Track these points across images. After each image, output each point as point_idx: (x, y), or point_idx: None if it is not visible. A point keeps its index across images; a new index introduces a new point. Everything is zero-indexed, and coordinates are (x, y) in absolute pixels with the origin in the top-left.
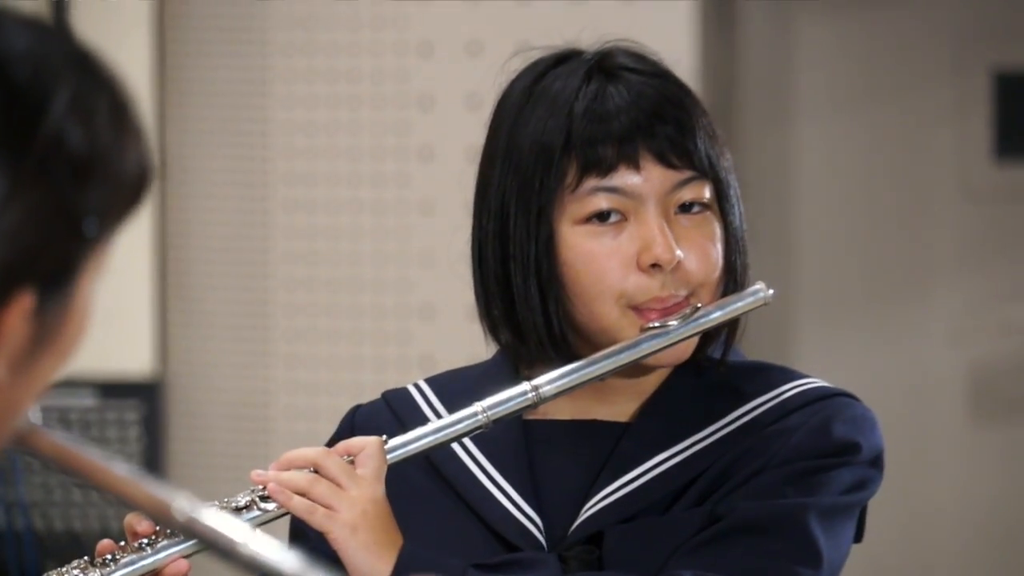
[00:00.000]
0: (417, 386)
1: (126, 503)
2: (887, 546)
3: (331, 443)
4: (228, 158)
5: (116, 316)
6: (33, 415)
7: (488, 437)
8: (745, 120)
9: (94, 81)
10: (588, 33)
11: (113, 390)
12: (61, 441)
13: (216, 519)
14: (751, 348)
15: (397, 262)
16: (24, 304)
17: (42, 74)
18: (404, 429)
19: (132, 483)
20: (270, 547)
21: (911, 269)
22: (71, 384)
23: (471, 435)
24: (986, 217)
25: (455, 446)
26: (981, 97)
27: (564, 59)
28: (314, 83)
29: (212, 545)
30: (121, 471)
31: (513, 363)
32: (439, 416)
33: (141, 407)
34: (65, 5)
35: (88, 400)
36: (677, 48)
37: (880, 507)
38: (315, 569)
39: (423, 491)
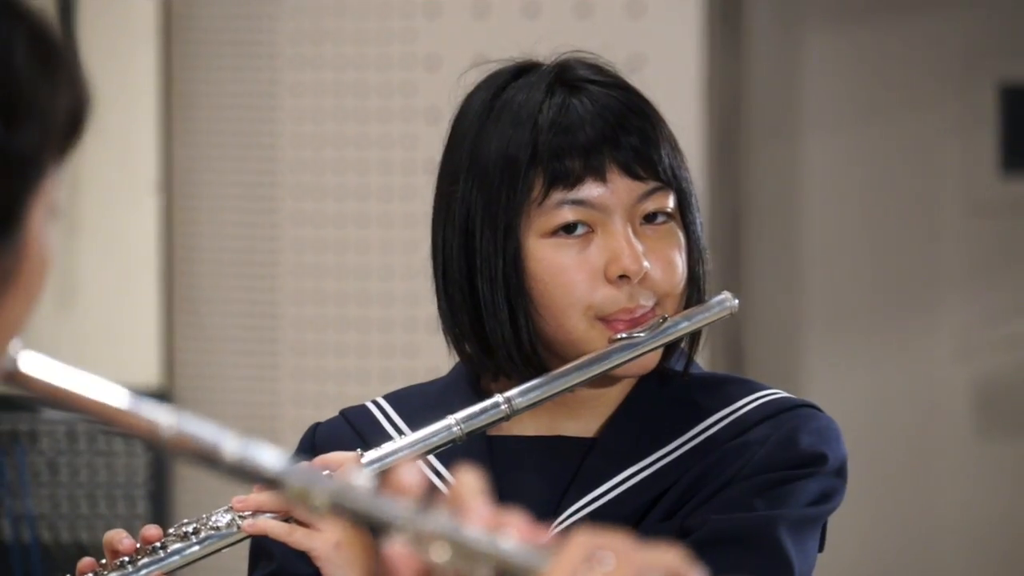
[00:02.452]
0: (376, 402)
1: (113, 429)
2: (893, 559)
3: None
4: (236, 171)
5: (123, 328)
6: (15, 352)
7: (452, 454)
8: (752, 133)
9: (6, 19)
10: (596, 48)
11: None
12: (45, 375)
13: (202, 429)
14: (756, 363)
15: (404, 275)
16: None
17: None
18: (365, 445)
19: (119, 408)
20: (261, 450)
21: (918, 283)
22: None
23: (443, 448)
24: (993, 231)
25: (419, 463)
26: (988, 111)
27: (522, 71)
28: (322, 96)
29: (200, 456)
30: (108, 398)
31: (474, 376)
32: (400, 432)
33: None
34: (71, 18)
35: None
36: (684, 62)
37: (886, 520)
38: (317, 477)
39: None
